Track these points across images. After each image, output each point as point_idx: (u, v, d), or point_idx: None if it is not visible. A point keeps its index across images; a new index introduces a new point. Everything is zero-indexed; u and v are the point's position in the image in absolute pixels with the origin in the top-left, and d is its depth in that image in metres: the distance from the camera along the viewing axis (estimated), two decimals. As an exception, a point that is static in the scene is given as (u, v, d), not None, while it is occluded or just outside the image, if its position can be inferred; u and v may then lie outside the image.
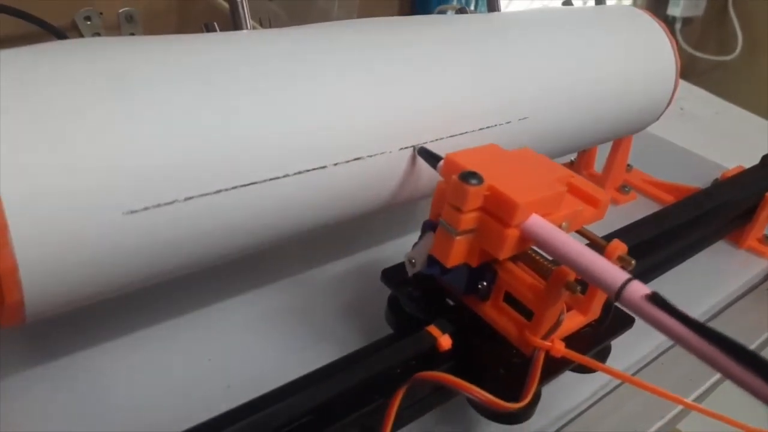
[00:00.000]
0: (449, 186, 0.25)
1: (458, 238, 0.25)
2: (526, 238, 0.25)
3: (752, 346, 0.41)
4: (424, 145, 0.31)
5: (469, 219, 0.25)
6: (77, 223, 0.21)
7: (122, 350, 0.32)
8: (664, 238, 0.38)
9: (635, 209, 0.50)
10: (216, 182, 0.24)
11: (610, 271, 0.22)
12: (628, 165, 0.54)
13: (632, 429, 0.34)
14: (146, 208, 0.23)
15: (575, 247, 0.23)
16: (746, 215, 0.47)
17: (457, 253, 0.26)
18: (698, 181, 0.52)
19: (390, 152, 0.29)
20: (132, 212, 0.22)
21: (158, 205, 0.23)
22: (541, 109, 0.36)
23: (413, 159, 0.31)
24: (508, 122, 0.34)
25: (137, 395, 0.30)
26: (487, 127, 0.33)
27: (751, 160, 0.49)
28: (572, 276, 0.25)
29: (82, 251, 0.22)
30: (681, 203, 0.43)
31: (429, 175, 0.32)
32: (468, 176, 0.24)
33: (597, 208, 0.27)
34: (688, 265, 0.43)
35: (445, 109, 0.31)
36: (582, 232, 0.28)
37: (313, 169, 0.27)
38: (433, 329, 0.28)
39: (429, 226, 0.28)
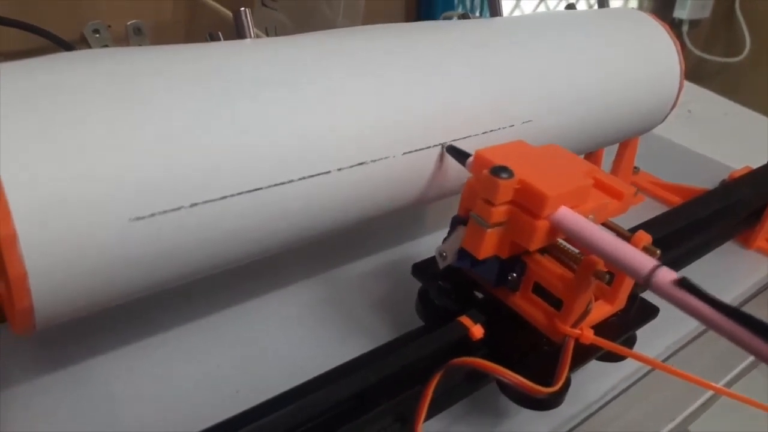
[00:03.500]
0: (480, 180, 0.26)
1: (490, 230, 0.26)
2: (556, 230, 0.26)
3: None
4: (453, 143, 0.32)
5: (500, 212, 0.26)
6: (85, 230, 0.22)
7: (130, 357, 0.32)
8: (672, 239, 0.38)
9: (643, 211, 0.50)
10: (221, 188, 0.24)
11: (639, 258, 0.23)
12: (635, 167, 0.54)
13: (643, 430, 0.34)
14: (152, 215, 0.23)
15: (604, 236, 0.24)
16: (755, 216, 0.46)
17: (488, 246, 0.27)
18: (706, 182, 0.52)
19: (393, 157, 0.30)
20: (138, 219, 0.23)
21: (164, 212, 0.23)
22: (544, 113, 0.36)
23: (426, 160, 0.31)
24: (511, 126, 0.34)
25: (145, 403, 0.30)
26: (491, 131, 0.33)
27: (759, 161, 0.49)
28: (601, 264, 0.26)
29: (90, 258, 0.22)
30: (689, 204, 0.43)
31: (434, 180, 0.32)
32: (499, 170, 0.26)
33: (621, 201, 0.28)
34: (697, 266, 0.43)
35: (448, 114, 0.32)
36: (607, 224, 0.29)
37: (318, 174, 0.27)
38: (465, 319, 0.29)
39: (458, 221, 0.29)
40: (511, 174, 0.26)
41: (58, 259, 0.21)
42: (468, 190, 0.29)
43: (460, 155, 0.31)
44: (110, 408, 0.29)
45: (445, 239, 0.29)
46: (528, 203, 0.26)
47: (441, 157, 0.32)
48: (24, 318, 0.22)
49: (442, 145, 0.31)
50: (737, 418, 0.33)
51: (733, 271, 0.45)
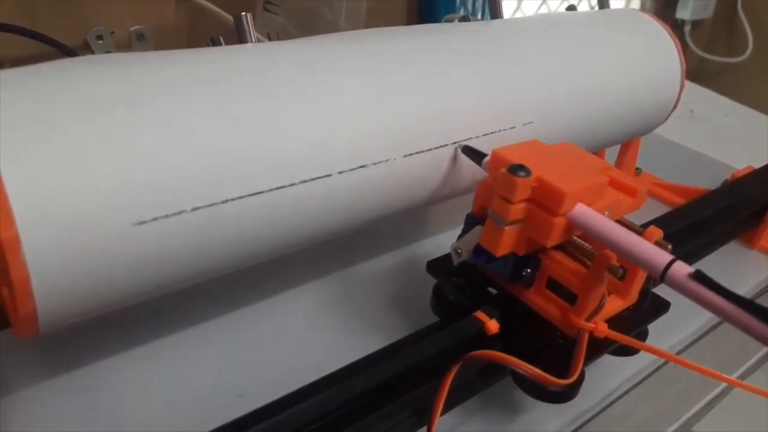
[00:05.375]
0: (498, 179, 0.27)
1: (507, 228, 0.27)
2: (573, 226, 0.26)
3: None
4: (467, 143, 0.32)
5: (518, 209, 0.27)
6: (88, 235, 0.22)
7: (136, 361, 0.32)
8: (675, 239, 0.38)
9: (645, 212, 0.50)
10: (223, 192, 0.25)
11: (655, 253, 0.23)
12: (637, 168, 0.54)
13: (648, 430, 0.34)
14: (155, 219, 0.23)
15: (622, 233, 0.25)
16: (758, 215, 0.46)
17: (506, 243, 0.27)
18: (708, 183, 0.52)
19: (394, 159, 0.30)
20: (141, 223, 0.23)
21: (167, 216, 0.23)
22: (545, 114, 0.36)
23: (428, 162, 0.31)
24: (512, 127, 0.34)
25: (148, 407, 0.30)
26: (492, 133, 0.33)
27: (762, 161, 0.49)
28: (614, 259, 0.26)
29: (93, 262, 0.22)
30: (691, 204, 0.43)
31: (436, 181, 0.32)
32: (516, 169, 0.26)
33: (635, 198, 0.29)
34: (700, 265, 0.42)
35: (449, 116, 0.32)
36: (620, 221, 0.29)
37: (319, 177, 0.27)
38: (480, 314, 0.29)
39: (473, 219, 0.29)
40: (528, 172, 0.26)
41: (61, 263, 0.21)
42: (482, 189, 0.29)
43: (476, 155, 0.31)
44: (113, 411, 0.30)
45: (459, 236, 0.30)
46: (545, 201, 0.26)
47: (443, 159, 0.32)
48: (27, 322, 0.22)
49: (443, 146, 0.32)
50: (740, 419, 0.33)
51: (736, 271, 0.45)
